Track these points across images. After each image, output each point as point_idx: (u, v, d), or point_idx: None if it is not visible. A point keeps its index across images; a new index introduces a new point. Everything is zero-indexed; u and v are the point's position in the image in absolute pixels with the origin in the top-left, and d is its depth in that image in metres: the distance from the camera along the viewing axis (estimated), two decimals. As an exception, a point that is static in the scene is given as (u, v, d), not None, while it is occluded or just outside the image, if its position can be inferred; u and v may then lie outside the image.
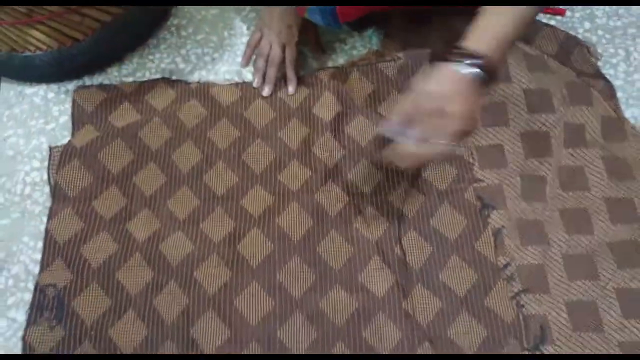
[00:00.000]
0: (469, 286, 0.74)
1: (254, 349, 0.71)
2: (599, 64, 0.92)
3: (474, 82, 0.59)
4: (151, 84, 0.91)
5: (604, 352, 0.70)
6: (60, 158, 0.83)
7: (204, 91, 0.90)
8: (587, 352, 0.70)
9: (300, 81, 0.90)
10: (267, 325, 0.72)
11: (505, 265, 0.75)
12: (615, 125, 0.85)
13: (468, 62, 0.58)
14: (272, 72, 0.88)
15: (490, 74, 0.59)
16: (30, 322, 0.73)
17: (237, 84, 0.92)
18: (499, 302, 0.73)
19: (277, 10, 0.86)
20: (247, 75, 0.94)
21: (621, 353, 0.69)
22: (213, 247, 0.77)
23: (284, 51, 0.87)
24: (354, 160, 0.83)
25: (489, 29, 0.60)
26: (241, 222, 0.79)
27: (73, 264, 0.76)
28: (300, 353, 0.71)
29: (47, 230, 0.79)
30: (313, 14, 0.82)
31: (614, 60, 0.94)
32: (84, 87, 0.92)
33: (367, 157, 0.83)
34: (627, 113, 0.88)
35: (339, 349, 0.71)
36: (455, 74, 0.59)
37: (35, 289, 0.75)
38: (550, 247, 0.76)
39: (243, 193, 0.82)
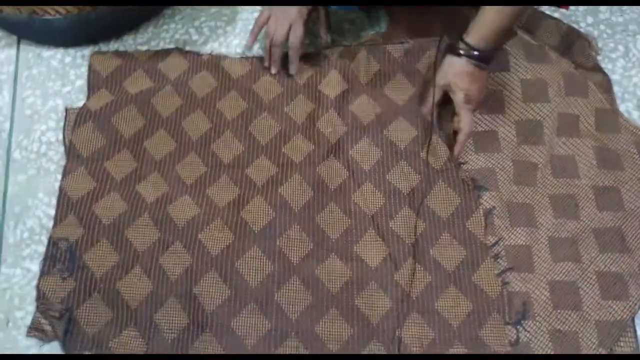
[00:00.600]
0: (457, 262, 0.78)
1: (252, 309, 0.74)
2: (599, 58, 0.95)
3: (476, 68, 0.79)
4: (165, 53, 0.94)
5: (582, 329, 0.74)
6: (76, 119, 0.87)
7: (215, 63, 0.93)
8: (565, 328, 0.74)
9: (308, 58, 0.93)
10: (265, 287, 0.76)
11: (494, 244, 0.79)
12: (609, 117, 0.88)
13: (470, 55, 0.79)
14: (276, 53, 0.90)
15: (487, 61, 0.79)
16: (44, 272, 0.77)
17: (247, 57, 0.95)
18: (485, 279, 0.76)
19: None
20: (258, 49, 0.96)
21: (597, 330, 0.73)
22: (217, 212, 0.81)
23: (289, 30, 0.88)
24: (356, 138, 0.86)
25: (487, 25, 0.78)
26: (245, 190, 0.83)
27: (85, 220, 0.80)
28: (296, 316, 0.74)
29: (60, 188, 0.82)
30: None
31: (614, 55, 0.96)
32: (100, 52, 0.95)
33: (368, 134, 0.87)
34: (622, 107, 0.91)
35: (332, 314, 0.75)
36: (461, 64, 0.79)
37: (49, 242, 0.79)
38: (538, 230, 0.80)
39: (248, 162, 0.85)
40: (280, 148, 0.86)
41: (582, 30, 0.97)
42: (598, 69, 0.93)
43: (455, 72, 0.80)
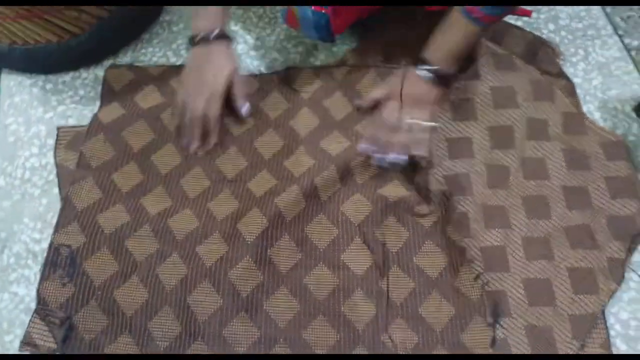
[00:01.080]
0: (440, 269, 0.80)
1: (242, 317, 0.76)
2: (561, 63, 0.99)
3: (429, 83, 0.85)
4: (177, 70, 0.96)
5: (556, 324, 0.76)
6: (88, 130, 0.89)
7: None
8: (540, 323, 0.76)
9: (314, 74, 0.96)
10: (255, 296, 0.78)
11: (474, 246, 0.80)
12: (575, 120, 0.91)
13: (425, 70, 0.84)
14: (196, 127, 0.87)
15: (440, 78, 0.84)
16: (44, 277, 0.78)
17: (254, 75, 0.97)
18: (465, 283, 0.79)
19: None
20: (260, 68, 1.00)
21: (571, 324, 0.76)
22: (216, 225, 0.82)
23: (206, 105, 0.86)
24: (358, 154, 0.87)
25: (442, 46, 0.83)
26: (244, 202, 0.84)
27: (87, 228, 0.82)
28: (284, 324, 0.76)
29: (67, 195, 0.84)
30: (308, 29, 0.87)
31: (574, 59, 1.00)
32: (115, 66, 0.97)
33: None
34: (585, 108, 0.94)
35: (320, 321, 0.76)
36: (417, 77, 0.84)
37: (50, 247, 0.80)
38: (512, 231, 0.83)
39: (251, 177, 0.87)
40: (282, 162, 0.88)
41: (544, 36, 1.01)
42: (562, 74, 0.97)
43: (409, 83, 0.85)
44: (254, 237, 0.80)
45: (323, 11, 0.84)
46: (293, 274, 0.79)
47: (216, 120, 0.87)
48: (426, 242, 0.81)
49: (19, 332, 0.76)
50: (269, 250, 0.80)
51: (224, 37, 0.86)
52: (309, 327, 0.76)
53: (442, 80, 0.85)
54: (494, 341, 0.75)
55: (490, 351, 0.74)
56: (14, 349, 0.75)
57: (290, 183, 0.85)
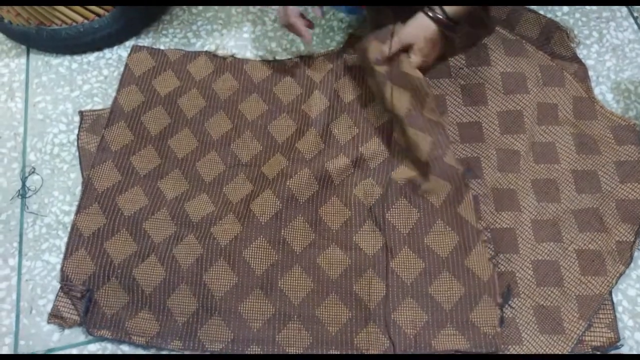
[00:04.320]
0: (451, 248, 0.79)
1: (257, 294, 0.77)
2: (574, 46, 0.97)
3: (442, 36, 0.80)
4: (194, 55, 0.97)
5: (564, 304, 0.76)
6: (109, 116, 0.90)
7: (238, 66, 0.96)
8: (548, 304, 0.76)
9: (325, 58, 0.95)
10: (270, 274, 0.78)
11: (486, 229, 0.81)
12: (586, 105, 0.90)
13: (443, 22, 0.79)
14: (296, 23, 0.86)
15: (449, 28, 0.79)
16: (67, 255, 0.80)
17: (269, 61, 0.97)
18: (477, 263, 0.78)
19: None
20: (277, 49, 0.99)
21: (578, 304, 0.76)
22: (231, 208, 0.83)
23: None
24: (366, 139, 0.88)
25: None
26: (258, 185, 0.85)
27: (107, 210, 0.83)
28: (298, 301, 0.77)
29: (88, 177, 0.85)
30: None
31: (588, 42, 0.98)
32: (137, 49, 0.97)
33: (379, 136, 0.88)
34: (597, 90, 0.93)
35: (332, 299, 0.77)
36: (432, 29, 0.80)
37: (72, 228, 0.82)
38: (522, 213, 0.82)
39: (265, 161, 0.87)
40: (294, 144, 0.88)
41: (558, 19, 0.99)
42: (575, 59, 0.95)
43: (425, 36, 0.80)
44: (268, 218, 0.81)
45: None
46: (306, 253, 0.80)
47: (297, 25, 0.85)
48: (437, 222, 0.81)
49: (51, 297, 0.78)
50: (283, 231, 0.81)
51: None
52: (322, 304, 0.77)
53: (447, 26, 0.80)
54: (502, 320, 0.75)
55: (498, 330, 0.74)
56: (46, 312, 0.77)
57: (302, 166, 0.85)
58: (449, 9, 0.78)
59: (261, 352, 0.75)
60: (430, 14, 0.79)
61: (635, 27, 1.00)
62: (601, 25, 1.00)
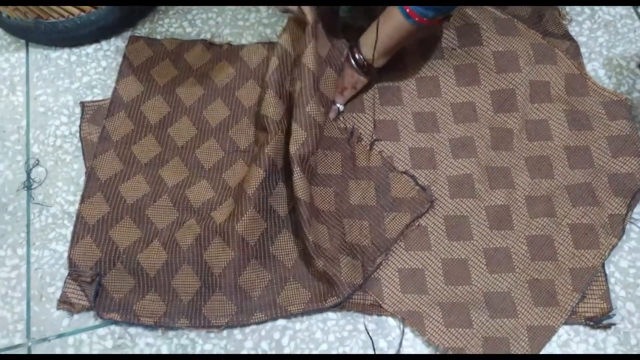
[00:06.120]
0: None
1: (253, 265, 0.79)
2: (566, 23, 0.97)
3: (353, 68, 0.86)
4: (191, 44, 0.97)
5: (557, 277, 0.77)
6: (109, 107, 0.91)
7: (233, 53, 0.96)
8: (542, 277, 0.77)
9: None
10: (262, 243, 0.80)
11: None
12: (578, 82, 0.90)
13: (354, 59, 0.85)
14: None
15: (362, 67, 0.85)
16: (73, 243, 0.81)
17: (264, 43, 0.97)
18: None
19: None
20: (272, 36, 0.99)
21: (571, 277, 0.77)
22: (230, 193, 0.85)
23: None
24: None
25: (368, 42, 0.83)
26: (250, 164, 0.84)
27: (111, 198, 0.84)
28: (291, 263, 0.79)
29: (91, 167, 0.86)
30: None
31: (580, 18, 0.98)
32: (134, 39, 0.98)
33: None
34: (589, 66, 0.93)
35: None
36: (347, 63, 0.86)
37: (77, 216, 0.83)
38: (515, 190, 0.83)
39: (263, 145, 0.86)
40: (284, 123, 0.86)
41: (551, -6, 0.99)
42: (568, 36, 0.95)
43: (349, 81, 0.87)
44: (254, 189, 0.80)
45: None
46: (291, 217, 0.81)
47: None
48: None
49: (60, 284, 0.80)
50: (269, 199, 0.81)
51: None
52: (313, 262, 0.78)
53: (365, 69, 0.85)
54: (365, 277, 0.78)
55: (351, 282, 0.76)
56: (55, 299, 0.79)
57: (280, 141, 0.83)
58: (367, 50, 0.83)
59: (265, 318, 0.77)
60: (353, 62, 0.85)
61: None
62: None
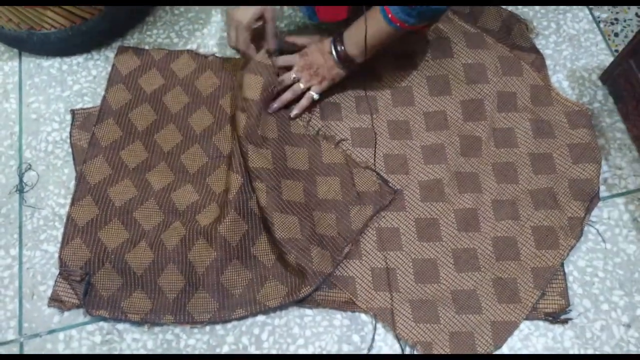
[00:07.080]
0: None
1: (235, 265, 0.83)
2: (534, 37, 1.02)
3: (334, 60, 0.89)
4: (177, 54, 1.01)
5: (520, 276, 0.82)
6: (99, 114, 0.95)
7: (218, 64, 1.00)
8: (506, 276, 0.82)
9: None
10: (243, 244, 0.84)
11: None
12: (542, 92, 0.95)
13: (336, 48, 0.88)
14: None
15: (345, 61, 0.88)
16: (64, 244, 0.85)
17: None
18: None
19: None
20: None
21: (533, 276, 0.82)
22: (214, 197, 0.89)
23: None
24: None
25: (357, 34, 0.85)
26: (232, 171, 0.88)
27: (100, 201, 0.88)
28: (271, 263, 0.83)
29: (81, 171, 0.90)
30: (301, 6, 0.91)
31: (546, 32, 1.03)
32: (123, 49, 1.02)
33: None
34: (554, 78, 0.98)
35: (317, 251, 0.82)
36: (328, 51, 0.89)
37: (68, 218, 0.87)
38: (483, 195, 0.88)
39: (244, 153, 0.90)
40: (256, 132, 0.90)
41: (518, 11, 1.04)
42: (534, 49, 1.00)
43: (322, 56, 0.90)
44: (235, 193, 0.85)
45: None
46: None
47: (246, 46, 0.90)
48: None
49: (51, 283, 0.83)
50: (249, 203, 0.86)
51: None
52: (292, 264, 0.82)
53: (346, 63, 0.89)
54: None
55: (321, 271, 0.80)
56: (47, 297, 0.83)
57: (262, 150, 0.88)
58: (350, 44, 0.86)
59: (246, 314, 0.81)
60: (330, 47, 0.88)
61: (590, 17, 1.05)
62: (559, 16, 1.05)
